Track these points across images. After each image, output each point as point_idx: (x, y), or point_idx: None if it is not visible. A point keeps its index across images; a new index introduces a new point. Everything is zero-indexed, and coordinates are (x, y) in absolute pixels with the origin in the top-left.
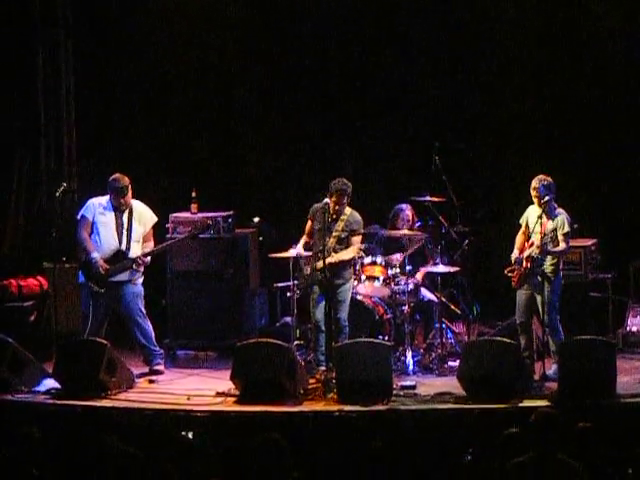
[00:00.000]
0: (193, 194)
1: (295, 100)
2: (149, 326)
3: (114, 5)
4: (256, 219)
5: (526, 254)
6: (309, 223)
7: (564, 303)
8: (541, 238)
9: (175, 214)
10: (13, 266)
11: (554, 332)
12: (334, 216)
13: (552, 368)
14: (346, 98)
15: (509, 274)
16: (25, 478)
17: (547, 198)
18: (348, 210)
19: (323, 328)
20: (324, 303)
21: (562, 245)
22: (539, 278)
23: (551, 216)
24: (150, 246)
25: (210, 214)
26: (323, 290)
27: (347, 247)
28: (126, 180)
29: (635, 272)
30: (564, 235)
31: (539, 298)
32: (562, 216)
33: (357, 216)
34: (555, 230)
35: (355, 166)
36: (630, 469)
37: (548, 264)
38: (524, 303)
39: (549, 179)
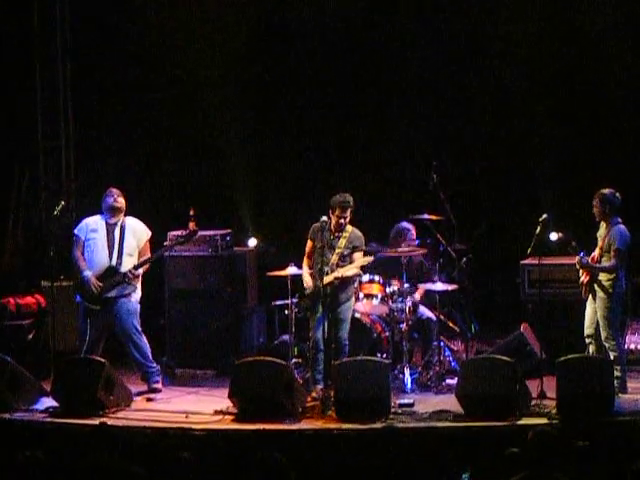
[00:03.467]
0: (191, 212)
1: (293, 118)
2: (145, 343)
3: (112, 23)
4: (253, 241)
5: (578, 265)
6: (309, 243)
7: (562, 320)
8: (598, 251)
9: (173, 232)
10: (11, 284)
11: (610, 350)
12: (336, 233)
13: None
14: (344, 115)
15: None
16: None
17: (605, 211)
18: (350, 227)
19: (322, 347)
20: (325, 322)
21: (611, 261)
22: (596, 291)
23: (610, 230)
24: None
25: (208, 232)
26: (325, 308)
27: (349, 264)
28: (122, 199)
29: (633, 289)
30: (614, 251)
31: (598, 312)
32: (616, 232)
33: (358, 233)
34: (610, 245)
35: (353, 184)
36: None
37: (604, 278)
38: (589, 315)
39: (607, 191)
